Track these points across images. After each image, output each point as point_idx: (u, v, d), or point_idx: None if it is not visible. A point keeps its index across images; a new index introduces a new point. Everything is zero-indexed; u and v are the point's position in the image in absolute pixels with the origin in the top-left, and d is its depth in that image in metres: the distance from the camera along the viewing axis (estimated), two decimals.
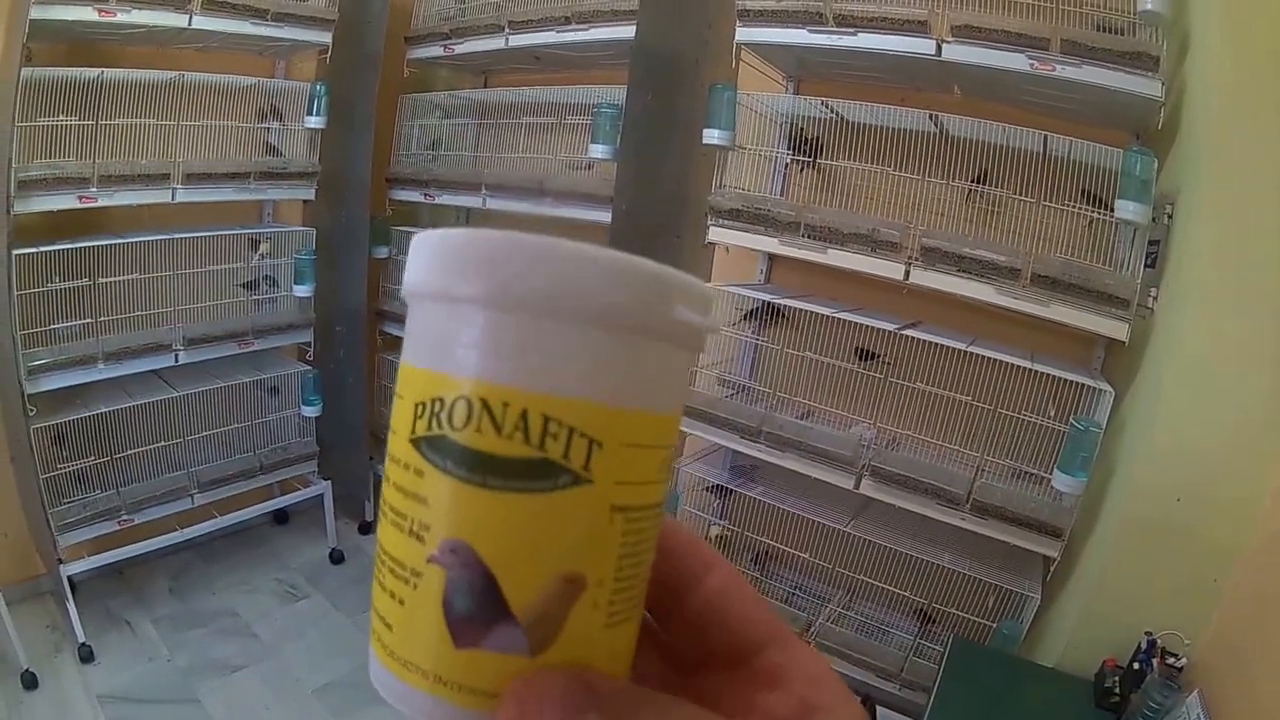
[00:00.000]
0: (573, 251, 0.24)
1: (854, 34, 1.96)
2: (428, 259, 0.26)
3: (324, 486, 3.25)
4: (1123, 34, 1.72)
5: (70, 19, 2.27)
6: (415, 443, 0.25)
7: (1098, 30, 1.75)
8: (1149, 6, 1.61)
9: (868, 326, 2.14)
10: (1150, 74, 1.65)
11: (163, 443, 2.78)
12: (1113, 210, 1.77)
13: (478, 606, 0.24)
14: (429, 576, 0.24)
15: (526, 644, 0.24)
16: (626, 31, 2.40)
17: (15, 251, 2.31)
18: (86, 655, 2.52)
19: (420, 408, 0.25)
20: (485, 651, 0.24)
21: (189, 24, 2.49)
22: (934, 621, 2.23)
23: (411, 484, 0.25)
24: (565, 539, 0.24)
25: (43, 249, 2.39)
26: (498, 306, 0.24)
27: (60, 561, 2.53)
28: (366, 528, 3.50)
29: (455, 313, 0.24)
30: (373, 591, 0.26)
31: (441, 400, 0.24)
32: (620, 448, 0.25)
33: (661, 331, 0.25)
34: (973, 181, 2.09)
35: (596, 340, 0.24)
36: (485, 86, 3.33)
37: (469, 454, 0.24)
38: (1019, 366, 1.94)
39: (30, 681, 2.38)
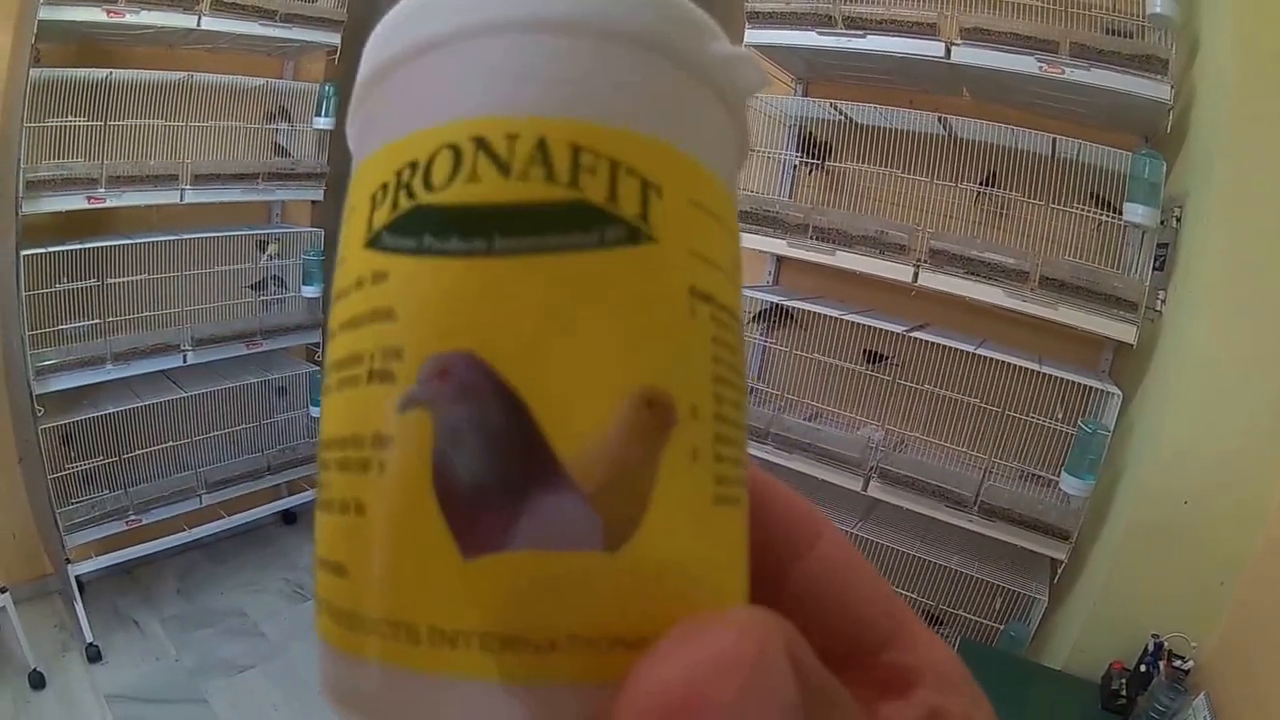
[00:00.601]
0: None
1: (863, 36, 1.98)
2: (382, 33, 0.19)
3: None
4: (1132, 37, 1.74)
5: (79, 20, 2.29)
6: (374, 240, 0.16)
7: (1107, 33, 1.77)
8: (1158, 10, 1.63)
9: (876, 328, 2.16)
10: (1159, 77, 1.67)
11: (171, 443, 2.80)
12: (1121, 213, 1.78)
13: (500, 464, 0.14)
14: (405, 434, 0.15)
15: (598, 528, 0.14)
16: None
17: (24, 252, 2.33)
18: (94, 655, 2.54)
19: (379, 193, 0.17)
20: (522, 553, 0.14)
21: (197, 25, 2.50)
22: (941, 623, 2.25)
23: (367, 301, 0.16)
24: (636, 330, 0.15)
25: (51, 250, 2.41)
26: (499, 31, 0.17)
27: (68, 561, 2.55)
28: None
29: (421, 63, 0.17)
30: (315, 538, 0.17)
31: (412, 164, 0.16)
32: (685, 203, 0.17)
33: (701, 65, 0.18)
34: (981, 184, 2.10)
35: (633, 60, 0.17)
36: None
37: (459, 213, 0.15)
38: (1027, 369, 1.96)
39: (38, 681, 2.39)
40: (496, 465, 0.14)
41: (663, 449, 0.15)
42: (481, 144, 0.16)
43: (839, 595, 0.22)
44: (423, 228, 0.16)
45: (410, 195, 0.16)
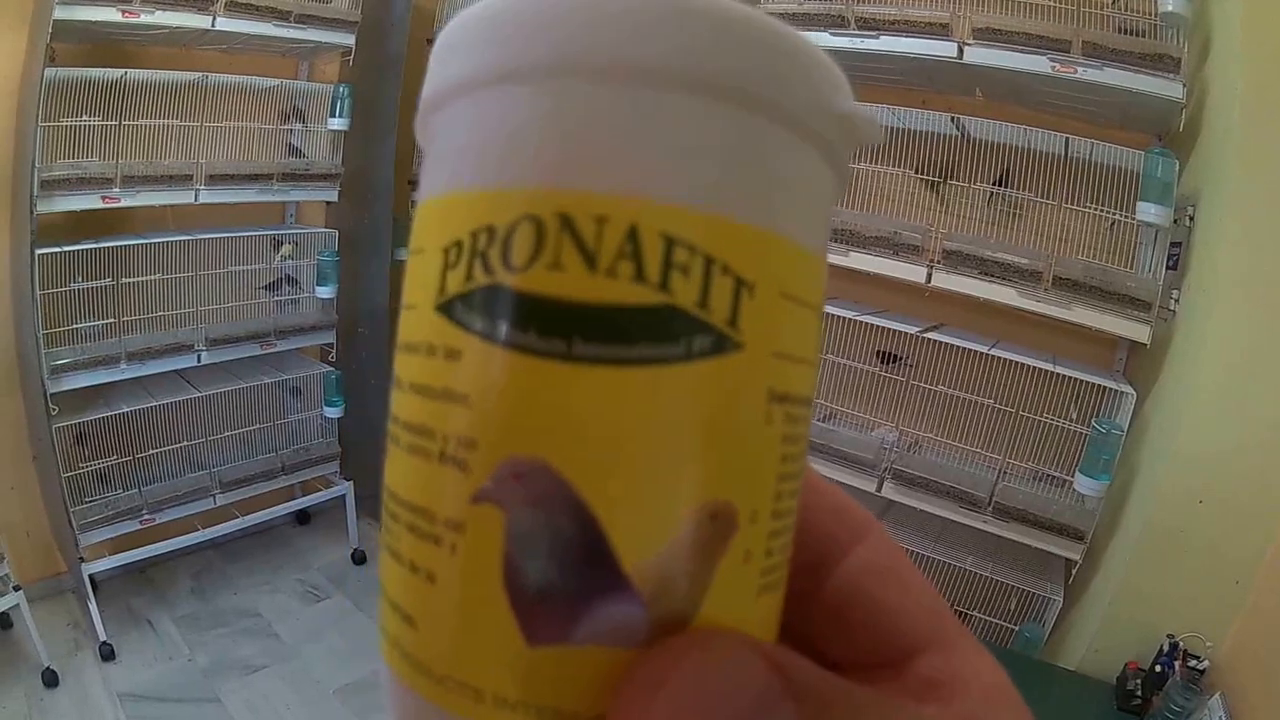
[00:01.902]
0: (709, 5, 0.16)
1: (876, 37, 2.01)
2: (459, 40, 0.18)
3: (346, 487, 3.29)
4: (1144, 36, 1.76)
5: (94, 20, 2.33)
6: (446, 307, 0.16)
7: (1119, 32, 1.79)
8: (1170, 8, 1.66)
9: (890, 329, 2.19)
10: (1171, 76, 1.70)
11: (185, 443, 2.84)
12: (1134, 212, 1.81)
13: (568, 569, 0.15)
14: (477, 526, 0.15)
15: (648, 628, 0.15)
16: None
17: (39, 251, 2.37)
18: (107, 653, 2.58)
19: (453, 252, 0.16)
20: (580, 648, 0.15)
21: (212, 25, 2.55)
22: None
23: (440, 377, 0.16)
24: (709, 444, 0.15)
25: (66, 249, 2.45)
26: (579, 73, 0.16)
27: (82, 560, 2.59)
28: None
29: (505, 95, 0.16)
30: (380, 570, 0.18)
31: (491, 230, 0.16)
32: (776, 298, 0.16)
33: (821, 128, 0.18)
34: (994, 184, 2.13)
35: (744, 129, 0.16)
36: None
37: (540, 306, 0.15)
38: (1041, 369, 1.99)
39: (51, 679, 2.43)
40: (563, 569, 0.15)
41: (723, 555, 0.16)
42: (567, 224, 0.15)
43: (874, 598, 0.21)
44: (499, 312, 0.15)
45: (487, 270, 0.15)
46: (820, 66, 0.18)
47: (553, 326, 0.15)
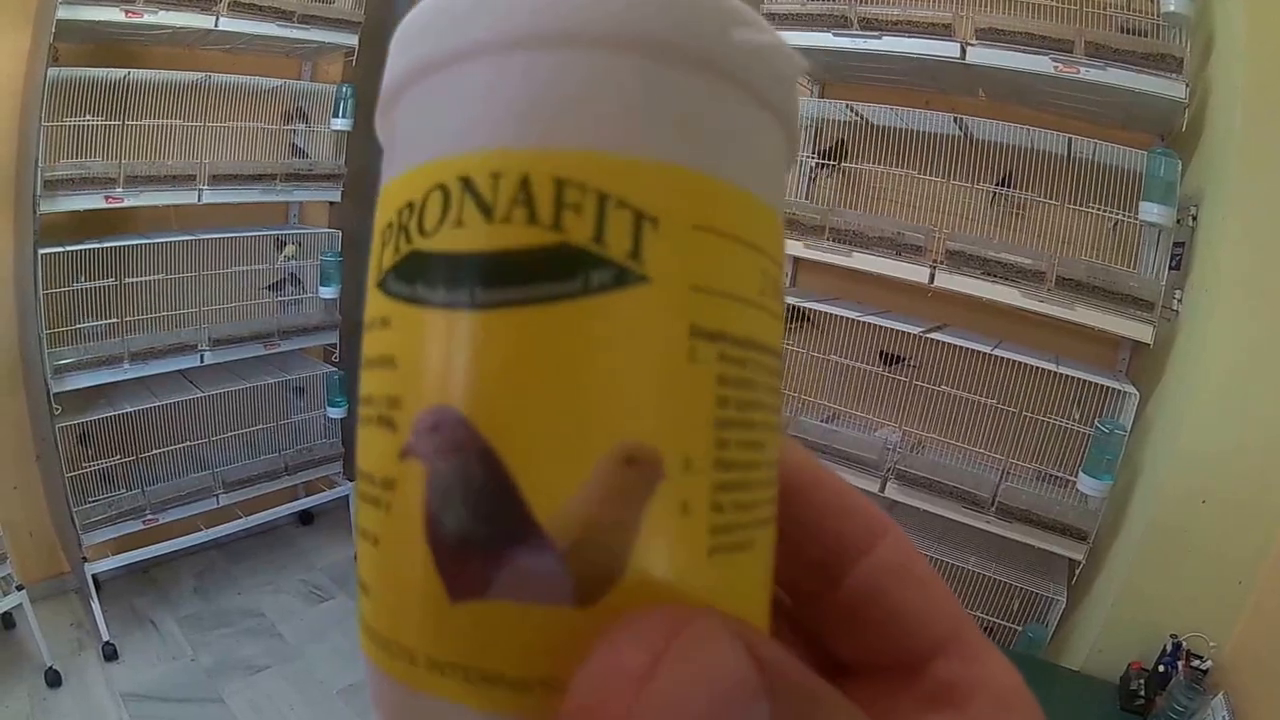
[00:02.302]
0: None
1: (879, 37, 2.02)
2: (393, 58, 0.19)
3: (349, 487, 3.29)
4: (1146, 36, 1.77)
5: (97, 19, 2.34)
6: (382, 283, 0.17)
7: (1121, 32, 1.80)
8: (1172, 8, 1.67)
9: (893, 330, 2.19)
10: (1174, 75, 1.70)
11: (188, 443, 2.85)
12: (1137, 212, 1.82)
13: (479, 517, 0.15)
14: (405, 482, 0.16)
15: (570, 584, 0.15)
16: None
17: (42, 251, 2.38)
18: (110, 653, 2.59)
19: (387, 232, 0.17)
20: (498, 602, 0.15)
21: (215, 25, 2.56)
22: None
23: (378, 345, 0.17)
24: (614, 381, 0.15)
25: (69, 248, 2.46)
26: (463, 56, 0.17)
27: (85, 560, 2.60)
28: None
29: (416, 93, 0.18)
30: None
31: (410, 205, 0.17)
32: (689, 230, 0.16)
33: (714, 57, 0.17)
34: (997, 184, 2.14)
35: (621, 68, 0.16)
36: None
37: (445, 262, 0.16)
38: (1044, 369, 1.99)
39: (54, 679, 2.45)
40: (478, 520, 0.15)
41: (645, 506, 0.15)
42: (467, 184, 0.16)
43: (890, 600, 0.21)
44: (416, 275, 0.16)
45: (407, 239, 0.16)
46: (718, 8, 0.17)
47: (457, 279, 0.15)
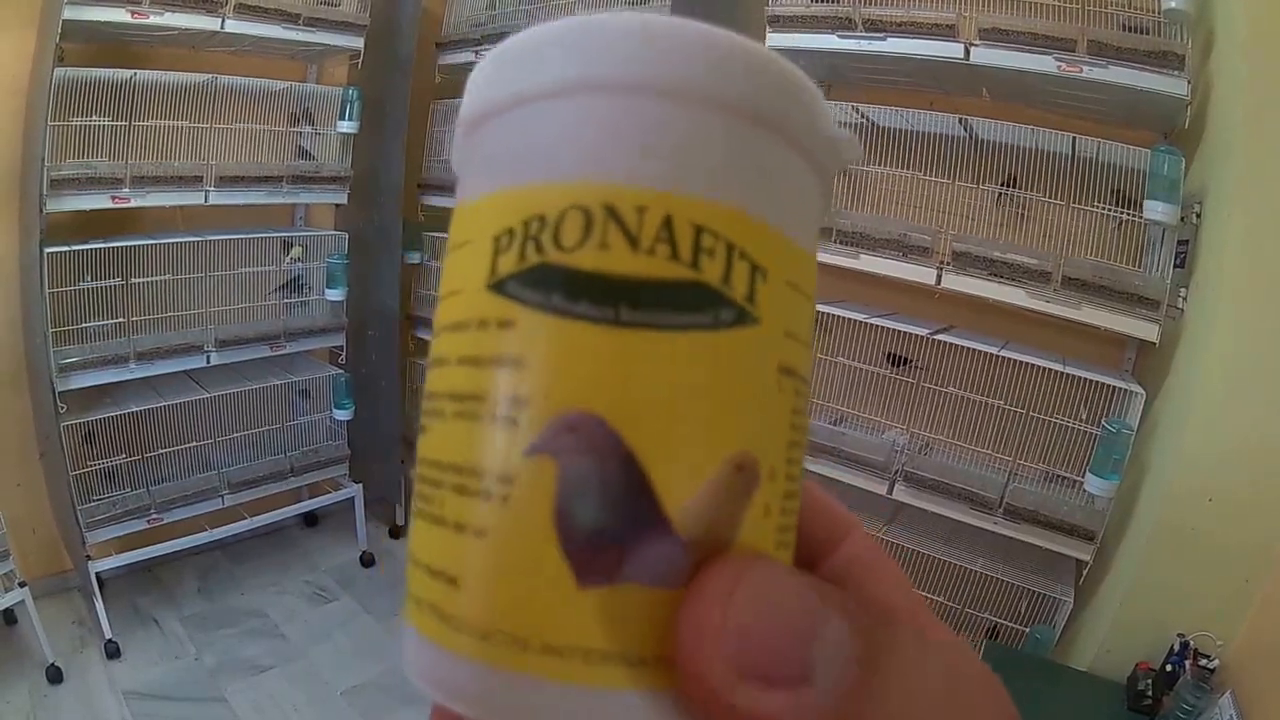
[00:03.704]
0: (729, 39, 0.20)
1: (883, 39, 2.05)
2: (505, 63, 0.21)
3: (355, 490, 3.33)
4: (1148, 33, 1.80)
5: (102, 20, 2.38)
6: (499, 285, 0.19)
7: (1123, 30, 1.83)
8: (1173, 5, 1.69)
9: (900, 331, 2.21)
10: (1176, 73, 1.73)
11: (193, 443, 2.89)
12: (1141, 211, 1.84)
13: (617, 513, 0.17)
14: (529, 477, 0.17)
15: (690, 568, 0.18)
16: None
17: (48, 250, 2.41)
18: (113, 651, 2.62)
19: (505, 238, 0.19)
20: (627, 586, 0.17)
21: (221, 27, 2.61)
22: (966, 626, 2.27)
23: (493, 345, 0.18)
24: (736, 401, 0.18)
25: (75, 248, 2.50)
26: (620, 89, 0.19)
27: (89, 558, 2.63)
28: (397, 531, 3.57)
29: (549, 107, 0.19)
30: (414, 542, 0.20)
31: (540, 217, 0.18)
32: (783, 285, 0.19)
33: (814, 147, 0.21)
34: (1002, 185, 2.16)
35: (757, 141, 0.19)
36: None
37: (590, 280, 0.18)
38: (1050, 369, 2.01)
39: (55, 676, 2.48)
40: (612, 514, 0.17)
41: (747, 506, 0.18)
42: (612, 213, 0.18)
43: (863, 587, 0.24)
44: (552, 286, 0.18)
45: (539, 250, 0.18)
46: (816, 99, 0.21)
47: (603, 296, 0.18)
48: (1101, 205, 2.02)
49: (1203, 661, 1.67)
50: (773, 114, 0.20)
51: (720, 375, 0.18)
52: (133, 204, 2.57)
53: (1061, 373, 2.00)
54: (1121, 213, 1.99)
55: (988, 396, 2.13)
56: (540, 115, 0.19)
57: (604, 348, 0.17)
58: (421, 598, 0.19)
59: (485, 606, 0.18)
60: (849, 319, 2.28)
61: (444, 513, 0.19)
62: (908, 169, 2.28)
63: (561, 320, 0.18)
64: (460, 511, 0.18)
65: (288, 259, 3.07)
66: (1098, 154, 2.00)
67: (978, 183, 2.19)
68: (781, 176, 0.20)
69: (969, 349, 2.11)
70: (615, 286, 0.18)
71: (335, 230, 3.24)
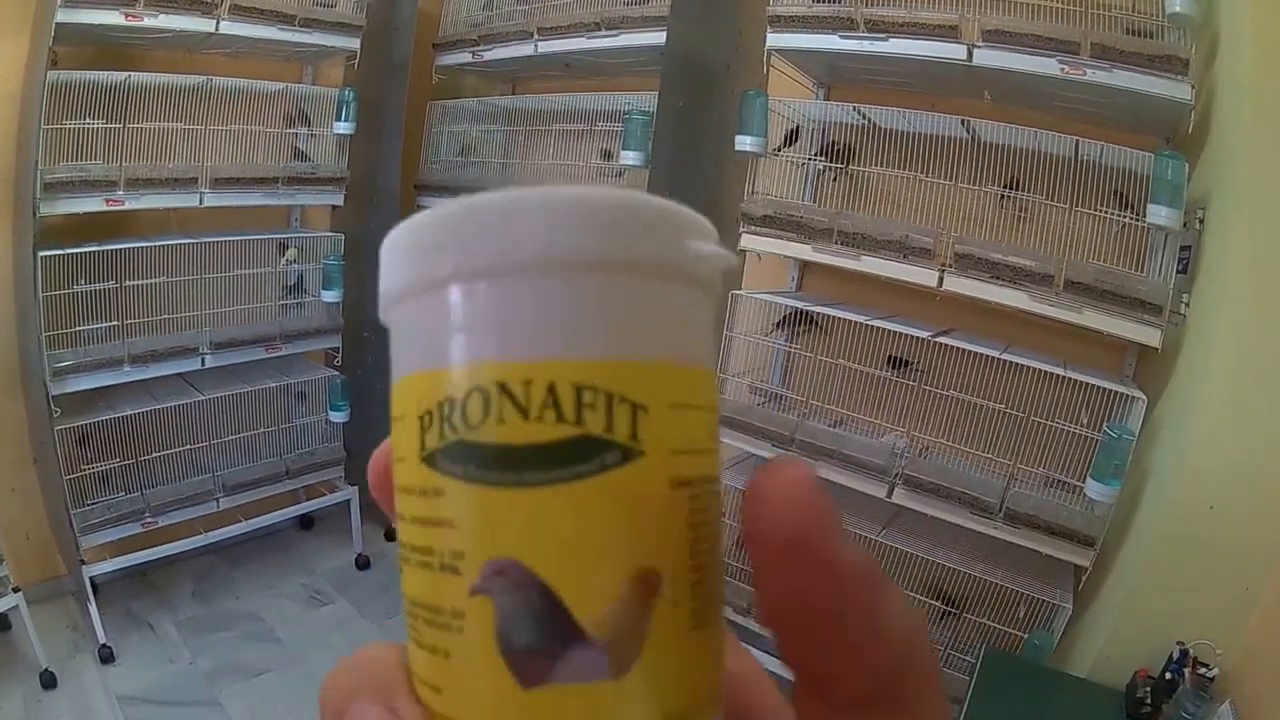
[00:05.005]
0: (555, 198, 0.22)
1: (885, 39, 2.05)
2: (398, 255, 0.24)
3: (351, 492, 3.34)
4: (1152, 37, 1.80)
5: (96, 23, 2.38)
6: (428, 459, 0.22)
7: (1127, 34, 1.83)
8: (1177, 9, 1.69)
9: (900, 334, 2.21)
10: (1180, 77, 1.73)
11: (188, 446, 2.89)
12: (1144, 215, 1.83)
13: (541, 632, 0.21)
14: (475, 613, 0.22)
15: (607, 665, 0.21)
16: (657, 38, 2.50)
17: (41, 253, 2.42)
18: (107, 656, 2.62)
19: (426, 418, 0.22)
20: (559, 685, 0.21)
21: (216, 29, 2.61)
22: (964, 631, 2.27)
23: (432, 510, 0.22)
24: (627, 528, 0.22)
25: (69, 251, 2.50)
26: (490, 275, 0.22)
27: (83, 563, 2.63)
28: (393, 534, 3.49)
29: (442, 299, 0.22)
30: (408, 655, 0.24)
31: (450, 400, 0.22)
32: (666, 410, 0.22)
33: (677, 270, 0.23)
34: (1004, 187, 2.16)
35: (617, 289, 0.22)
36: (513, 93, 3.44)
37: (494, 451, 0.21)
38: (1052, 373, 2.01)
39: (49, 681, 2.48)
40: (539, 632, 0.21)
41: (653, 606, 0.22)
42: (504, 390, 0.21)
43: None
44: (466, 459, 0.21)
45: (453, 429, 0.22)
46: (669, 223, 0.23)
47: (505, 464, 0.21)
48: (1104, 209, 2.02)
49: (1202, 670, 1.67)
50: (624, 257, 0.22)
51: (613, 508, 0.21)
52: (127, 206, 2.57)
53: (1063, 377, 2.00)
54: (1124, 217, 1.98)
55: (988, 400, 2.13)
56: (429, 306, 0.23)
57: (514, 506, 0.21)
58: (426, 701, 0.23)
59: (460, 707, 0.22)
60: (849, 321, 2.28)
61: (422, 638, 0.23)
62: (909, 170, 2.28)
63: (478, 487, 0.21)
64: (432, 638, 0.22)
65: (283, 261, 3.07)
66: (1100, 157, 2.00)
67: (980, 185, 2.19)
68: (652, 311, 0.23)
69: (970, 352, 2.11)
70: (515, 454, 0.21)
71: (331, 232, 3.23)
